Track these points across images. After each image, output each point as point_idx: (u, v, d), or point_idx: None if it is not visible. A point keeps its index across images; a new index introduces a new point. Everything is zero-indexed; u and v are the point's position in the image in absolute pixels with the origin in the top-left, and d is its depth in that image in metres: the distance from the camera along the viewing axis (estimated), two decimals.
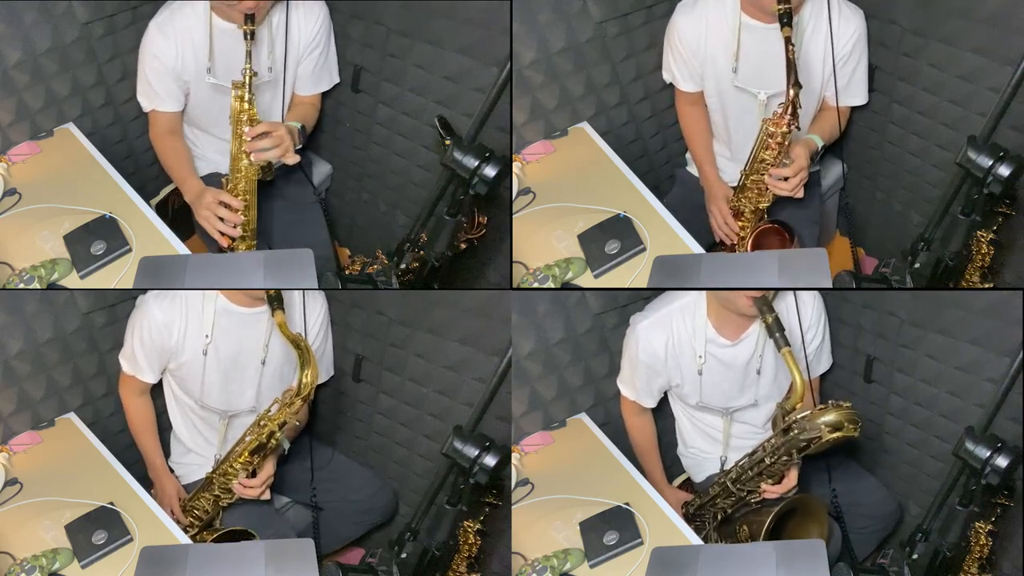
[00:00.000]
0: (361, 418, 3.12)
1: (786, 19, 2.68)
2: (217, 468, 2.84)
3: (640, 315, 2.90)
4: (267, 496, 2.87)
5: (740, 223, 2.95)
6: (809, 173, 2.98)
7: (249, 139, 2.77)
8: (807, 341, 2.80)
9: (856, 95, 2.97)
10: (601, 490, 2.85)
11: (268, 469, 2.83)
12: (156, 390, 2.97)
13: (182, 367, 2.87)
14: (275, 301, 2.70)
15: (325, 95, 3.09)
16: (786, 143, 2.78)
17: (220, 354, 2.84)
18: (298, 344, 2.69)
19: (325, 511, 3.05)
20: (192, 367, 2.86)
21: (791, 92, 2.67)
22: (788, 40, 2.67)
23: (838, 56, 2.86)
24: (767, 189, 2.86)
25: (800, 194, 2.84)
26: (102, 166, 2.92)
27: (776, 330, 2.65)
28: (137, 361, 2.88)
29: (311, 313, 2.87)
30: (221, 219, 2.82)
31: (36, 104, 2.94)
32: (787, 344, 2.65)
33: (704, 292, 2.80)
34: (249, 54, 2.73)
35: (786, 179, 2.81)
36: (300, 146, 2.89)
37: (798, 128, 2.77)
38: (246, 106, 2.75)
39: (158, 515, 2.79)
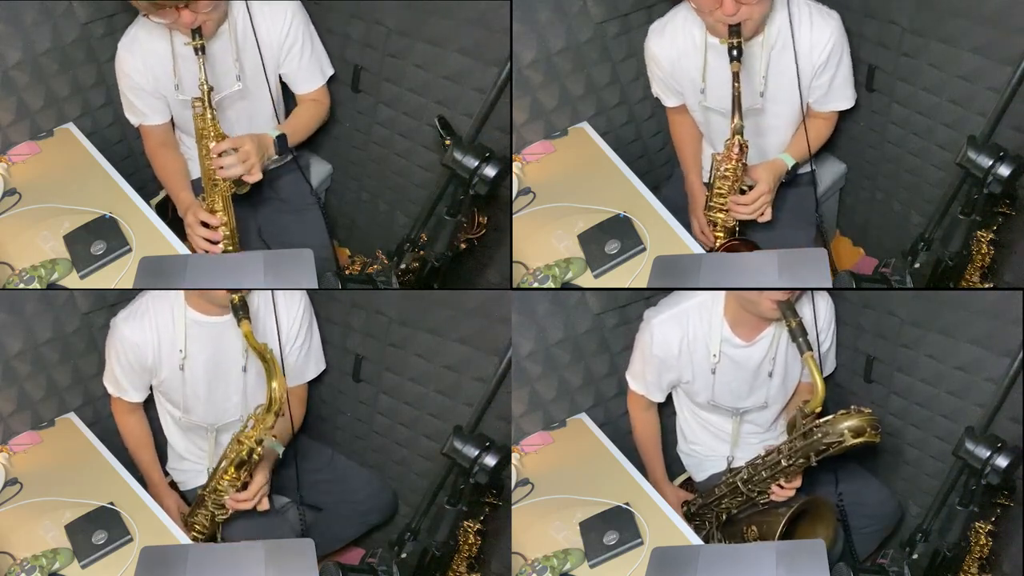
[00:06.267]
0: (361, 418, 3.12)
1: (736, 53, 2.66)
2: (207, 486, 2.81)
3: (654, 310, 2.89)
4: (264, 506, 2.80)
5: (715, 234, 2.92)
6: (802, 174, 2.98)
7: (215, 156, 2.74)
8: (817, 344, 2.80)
9: (841, 99, 2.92)
10: (601, 490, 2.85)
11: (259, 479, 2.78)
12: (149, 401, 2.96)
13: (163, 383, 2.86)
14: (240, 310, 2.64)
15: None
16: (740, 175, 2.76)
17: (198, 367, 2.82)
18: (263, 356, 2.63)
19: (325, 511, 3.05)
20: (172, 383, 2.84)
21: (734, 126, 2.66)
22: (736, 76, 2.66)
23: (815, 65, 2.82)
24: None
25: (767, 216, 2.81)
26: (102, 166, 2.92)
27: (800, 334, 2.65)
28: (120, 383, 2.88)
29: (289, 309, 2.85)
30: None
31: (36, 104, 2.94)
32: (810, 348, 2.65)
33: (721, 290, 2.79)
34: (203, 67, 2.69)
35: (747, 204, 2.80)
36: (287, 156, 2.85)
37: (744, 166, 2.75)
38: (209, 122, 2.72)
39: (158, 515, 2.79)
